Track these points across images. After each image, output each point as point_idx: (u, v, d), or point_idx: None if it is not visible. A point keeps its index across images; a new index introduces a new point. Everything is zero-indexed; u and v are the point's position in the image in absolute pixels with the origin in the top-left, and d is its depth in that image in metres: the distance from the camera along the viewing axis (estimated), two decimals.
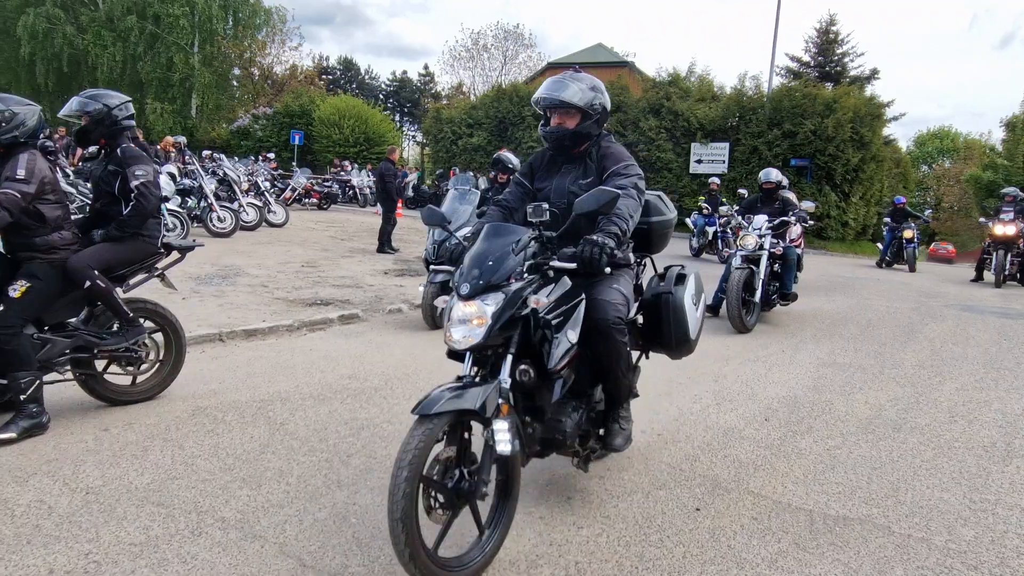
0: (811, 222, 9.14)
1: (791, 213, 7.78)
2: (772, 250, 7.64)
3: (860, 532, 3.03)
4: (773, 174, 8.32)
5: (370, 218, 18.26)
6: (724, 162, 22.34)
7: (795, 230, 10.08)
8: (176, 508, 2.98)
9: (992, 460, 3.95)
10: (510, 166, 7.62)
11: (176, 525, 2.84)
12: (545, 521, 3.01)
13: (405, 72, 62.21)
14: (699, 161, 22.80)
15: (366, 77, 61.48)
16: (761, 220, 7.72)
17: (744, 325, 7.15)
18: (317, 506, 3.06)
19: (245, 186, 14.57)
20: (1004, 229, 12.57)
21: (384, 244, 12.33)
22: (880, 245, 16.62)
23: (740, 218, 8.15)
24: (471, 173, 21.36)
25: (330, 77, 55.14)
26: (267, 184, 16.88)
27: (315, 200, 21.74)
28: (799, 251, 9.57)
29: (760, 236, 7.58)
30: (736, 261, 7.52)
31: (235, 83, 38.31)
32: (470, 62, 42.54)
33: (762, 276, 7.39)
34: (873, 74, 32.71)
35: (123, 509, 2.95)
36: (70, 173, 12.51)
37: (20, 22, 32.49)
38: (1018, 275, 13.03)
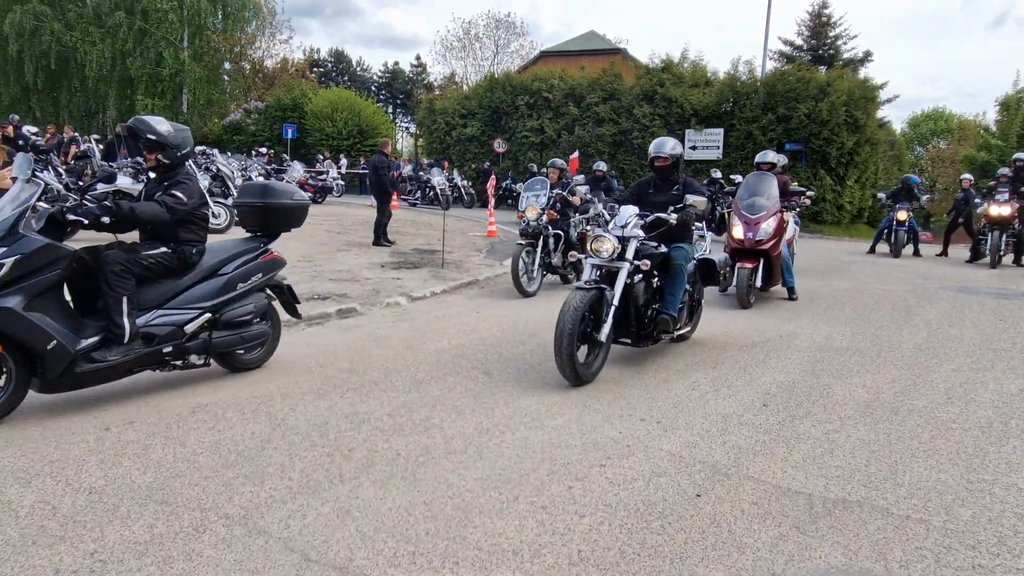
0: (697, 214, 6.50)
1: (671, 209, 5.45)
2: (637, 262, 5.10)
3: (859, 514, 3.05)
4: (667, 146, 5.83)
5: (365, 211, 18.23)
6: (719, 148, 22.32)
7: (790, 228, 8.87)
8: (179, 506, 2.99)
9: (989, 440, 3.98)
10: (153, 137, 4.50)
11: (180, 523, 2.85)
12: (547, 511, 3.03)
13: (397, 63, 61.82)
14: (694, 148, 22.76)
15: (358, 69, 61.20)
16: (628, 214, 5.26)
17: (577, 373, 4.72)
18: (320, 500, 3.07)
19: (239, 181, 14.53)
20: (999, 209, 12.57)
21: (380, 237, 12.31)
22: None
23: (601, 207, 5.78)
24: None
25: (321, 70, 54.89)
26: (261, 179, 16.83)
27: (310, 194, 21.67)
28: (787, 251, 8.46)
29: (622, 238, 5.09)
30: (587, 273, 5.08)
31: (226, 77, 38.09)
32: (462, 52, 42.45)
33: (614, 301, 4.91)
34: (866, 56, 32.68)
35: (127, 508, 2.96)
36: (62, 172, 12.46)
37: (7, 20, 32.21)
38: (1013, 255, 13.06)
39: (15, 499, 3.00)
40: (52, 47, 32.94)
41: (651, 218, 5.41)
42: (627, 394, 4.70)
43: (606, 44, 32.74)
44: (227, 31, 35.93)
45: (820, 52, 31.84)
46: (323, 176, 23.42)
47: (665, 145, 5.87)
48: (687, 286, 5.70)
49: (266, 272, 5.01)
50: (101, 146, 16.23)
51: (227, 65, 37.37)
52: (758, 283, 8.17)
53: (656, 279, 5.47)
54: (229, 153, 23.59)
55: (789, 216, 8.96)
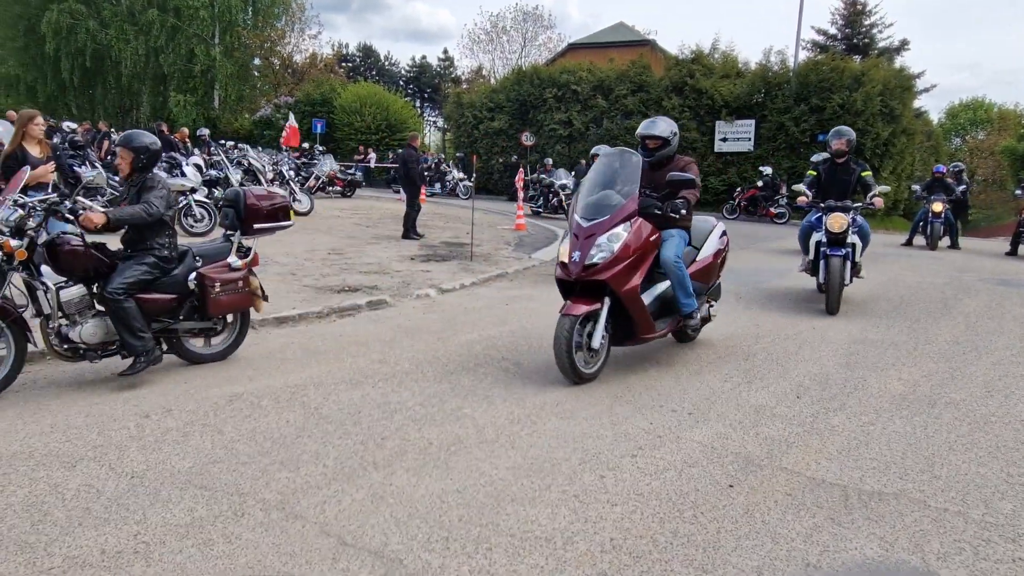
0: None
1: None
2: None
3: (896, 507, 3.02)
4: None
5: (394, 204, 18.35)
6: (750, 140, 22.06)
7: (711, 242, 5.56)
8: (218, 490, 3.06)
9: None
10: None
11: (219, 507, 2.92)
12: (579, 499, 3.04)
13: (424, 57, 62.08)
14: (724, 139, 22.54)
15: (386, 63, 61.45)
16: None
17: None
18: (354, 487, 3.12)
19: (270, 175, 14.72)
20: None
21: (409, 230, 12.38)
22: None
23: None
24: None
25: (350, 64, 55.23)
26: (291, 173, 17.03)
27: (339, 188, 21.86)
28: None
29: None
30: None
31: (256, 73, 38.53)
32: (489, 45, 42.38)
33: None
34: (903, 45, 32.02)
35: (167, 492, 3.03)
36: (99, 167, 12.73)
37: (44, 19, 32.93)
38: None
39: (61, 482, 3.10)
40: (88, 45, 33.59)
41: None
42: (658, 385, 4.68)
43: (635, 36, 32.47)
44: (257, 27, 36.33)
45: (855, 41, 31.24)
46: (351, 170, 23.57)
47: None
48: None
49: None
50: None
51: (257, 61, 37.82)
52: (595, 342, 4.62)
53: None
54: (260, 148, 23.86)
55: (719, 226, 5.78)
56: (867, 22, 31.70)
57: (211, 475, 3.20)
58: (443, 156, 29.79)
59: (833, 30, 32.11)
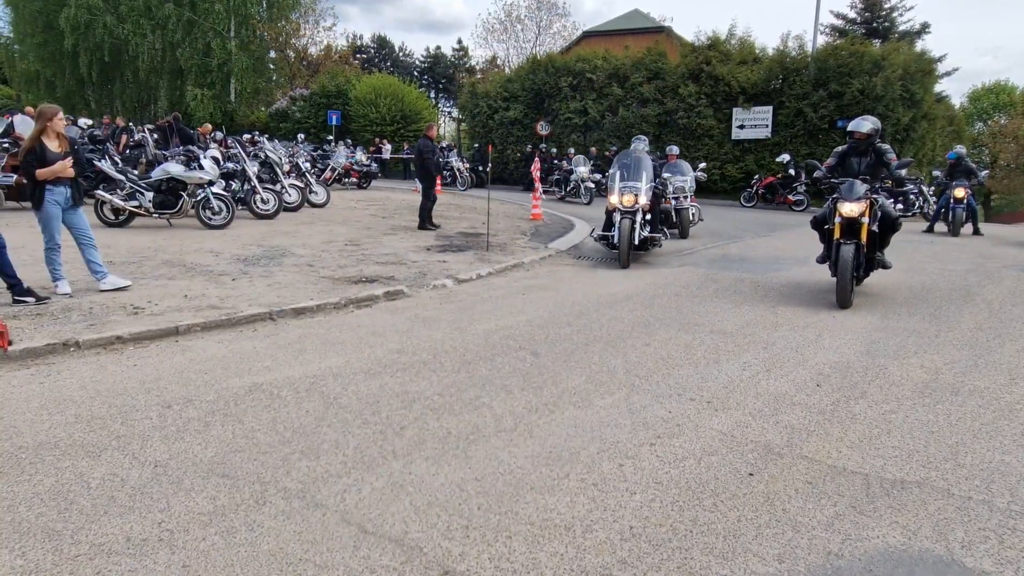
0: None
1: None
2: None
3: (919, 495, 2.99)
4: None
5: (409, 195, 18.38)
6: (767, 126, 21.83)
7: None
8: (240, 479, 3.09)
9: None
10: None
11: (241, 495, 2.94)
12: (598, 487, 3.04)
13: (439, 47, 61.81)
14: (741, 127, 22.32)
15: (400, 54, 61.40)
16: None
17: None
18: (374, 475, 3.14)
19: (287, 168, 14.78)
20: None
21: (425, 221, 12.39)
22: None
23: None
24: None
25: (364, 56, 55.25)
26: (307, 165, 17.11)
27: (354, 179, 21.94)
28: None
29: None
30: None
31: (271, 66, 38.67)
32: (503, 34, 42.15)
33: None
34: (924, 28, 31.55)
35: (190, 481, 3.07)
36: (118, 161, 12.86)
37: (63, 15, 33.22)
38: None
39: (87, 471, 3.14)
40: (105, 40, 33.87)
41: None
42: (676, 374, 4.67)
43: (650, 22, 32.21)
44: (272, 20, 36.44)
45: (874, 25, 30.82)
46: (368, 162, 23.62)
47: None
48: None
49: None
50: (155, 136, 16.66)
51: (272, 54, 37.94)
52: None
53: None
54: (277, 140, 23.96)
55: None
56: (887, 5, 31.27)
57: (233, 464, 3.24)
58: (451, 145, 29.73)
59: (852, 14, 31.70)
